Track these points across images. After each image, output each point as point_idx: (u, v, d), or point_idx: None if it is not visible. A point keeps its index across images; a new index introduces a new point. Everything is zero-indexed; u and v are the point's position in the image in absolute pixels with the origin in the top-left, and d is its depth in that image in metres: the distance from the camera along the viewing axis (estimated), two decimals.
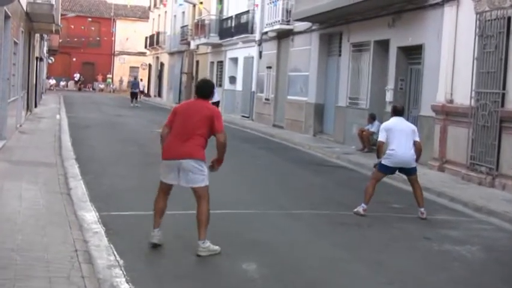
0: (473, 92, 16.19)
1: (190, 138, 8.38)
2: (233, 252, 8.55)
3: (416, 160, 11.91)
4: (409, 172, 11.95)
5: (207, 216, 8.49)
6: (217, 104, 34.50)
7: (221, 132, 8.43)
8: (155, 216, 8.67)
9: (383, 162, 11.83)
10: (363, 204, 11.58)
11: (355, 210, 11.59)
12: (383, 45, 21.95)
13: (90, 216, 9.95)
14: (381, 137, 11.90)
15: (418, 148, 11.83)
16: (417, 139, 11.84)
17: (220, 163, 8.65)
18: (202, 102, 8.62)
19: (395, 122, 11.95)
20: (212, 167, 8.67)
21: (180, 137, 8.43)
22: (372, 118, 21.69)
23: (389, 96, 21.06)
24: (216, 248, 8.46)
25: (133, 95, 49.75)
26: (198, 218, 8.50)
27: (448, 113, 17.49)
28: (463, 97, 16.79)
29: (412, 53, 20.50)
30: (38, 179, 12.60)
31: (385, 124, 12.19)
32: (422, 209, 11.75)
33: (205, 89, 8.69)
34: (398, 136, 11.68)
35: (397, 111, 12.09)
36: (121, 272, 7.26)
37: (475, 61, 16.18)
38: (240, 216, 10.99)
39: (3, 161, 14.70)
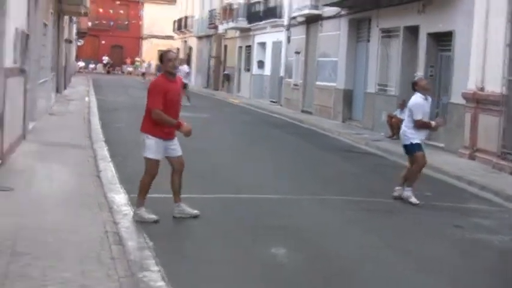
0: (504, 80, 15.99)
1: (145, 112, 9.07)
2: (262, 237, 8.55)
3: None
4: (405, 151, 11.88)
5: (141, 185, 8.99)
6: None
7: (152, 109, 8.82)
8: None
9: None
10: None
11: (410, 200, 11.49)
12: (413, 31, 21.75)
13: (119, 198, 9.97)
14: None
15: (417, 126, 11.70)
16: (415, 117, 11.55)
17: (177, 128, 8.96)
18: (158, 75, 9.29)
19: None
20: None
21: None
22: (404, 105, 21.43)
23: None
24: (151, 216, 8.76)
25: None
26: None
27: (479, 101, 17.28)
28: (495, 84, 16.58)
29: (442, 40, 20.30)
30: (68, 161, 12.66)
31: None
32: (397, 187, 11.70)
33: (159, 61, 9.18)
34: None
35: (412, 86, 12.01)
36: (151, 254, 7.26)
37: (507, 47, 15.98)
38: (269, 201, 10.96)
39: (34, 142, 14.77)
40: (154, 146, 8.88)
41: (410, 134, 11.62)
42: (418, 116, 11.54)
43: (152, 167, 8.94)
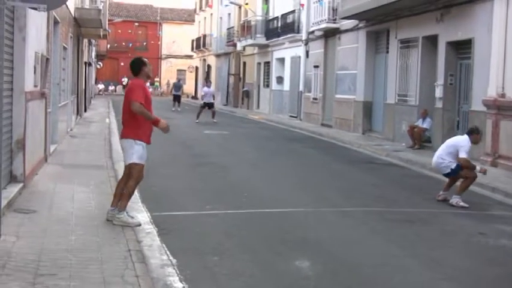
0: None
1: (124, 120, 9.25)
2: (285, 250, 8.51)
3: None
4: (447, 175, 12.81)
5: (129, 191, 9.23)
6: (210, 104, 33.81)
7: (133, 101, 8.91)
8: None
9: None
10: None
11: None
12: (431, 41, 21.71)
13: (142, 216, 9.96)
14: None
15: (460, 163, 12.41)
16: (460, 155, 12.30)
17: (155, 124, 9.15)
18: (132, 80, 9.36)
19: None
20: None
21: (122, 119, 9.38)
22: (426, 114, 21.38)
23: (439, 92, 20.82)
24: (134, 221, 9.10)
25: (176, 98, 44.76)
26: (124, 191, 9.23)
27: (500, 107, 17.20)
28: None
29: (462, 48, 20.23)
30: (89, 181, 12.70)
31: None
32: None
33: (132, 66, 9.39)
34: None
35: (468, 131, 12.76)
36: (174, 271, 7.25)
37: None
38: (291, 214, 10.93)
39: (55, 164, 14.87)
40: (141, 151, 9.16)
41: (448, 163, 12.49)
42: (467, 155, 12.31)
43: (140, 172, 9.19)
